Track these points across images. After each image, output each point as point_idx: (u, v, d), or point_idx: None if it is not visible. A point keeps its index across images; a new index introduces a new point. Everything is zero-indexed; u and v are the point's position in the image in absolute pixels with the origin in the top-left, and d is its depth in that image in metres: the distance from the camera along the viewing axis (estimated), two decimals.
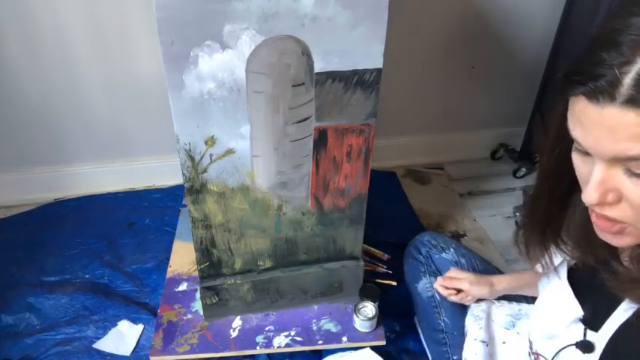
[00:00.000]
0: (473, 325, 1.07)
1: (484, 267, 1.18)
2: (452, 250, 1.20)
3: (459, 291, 1.08)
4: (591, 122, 0.50)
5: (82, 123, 1.67)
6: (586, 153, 0.54)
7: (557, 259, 0.76)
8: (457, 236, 1.68)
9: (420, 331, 1.26)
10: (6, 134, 1.65)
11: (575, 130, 0.53)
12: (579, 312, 0.70)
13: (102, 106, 1.64)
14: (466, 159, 2.04)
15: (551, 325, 0.76)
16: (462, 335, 1.09)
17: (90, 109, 1.64)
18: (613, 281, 0.61)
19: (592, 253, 0.68)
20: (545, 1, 1.71)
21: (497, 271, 1.18)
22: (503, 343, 1.03)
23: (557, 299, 0.75)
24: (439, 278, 1.11)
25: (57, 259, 1.53)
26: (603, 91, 0.48)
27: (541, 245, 0.73)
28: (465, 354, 1.03)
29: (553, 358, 0.75)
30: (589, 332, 0.69)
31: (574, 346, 0.70)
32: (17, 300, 1.40)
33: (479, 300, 1.09)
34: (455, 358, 1.09)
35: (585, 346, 0.68)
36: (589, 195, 0.53)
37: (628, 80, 0.47)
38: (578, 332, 0.70)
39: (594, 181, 0.53)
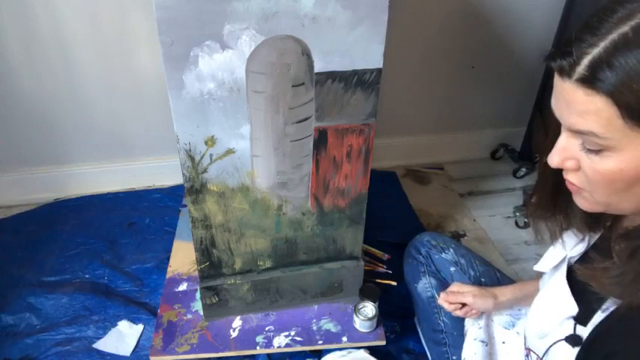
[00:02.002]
0: (472, 325, 1.07)
1: (484, 267, 1.18)
2: (451, 250, 1.20)
3: (463, 305, 1.06)
4: (557, 93, 0.57)
5: (82, 123, 1.67)
6: None
7: (569, 240, 0.76)
8: (457, 236, 1.68)
9: (419, 331, 1.26)
10: (6, 134, 1.65)
11: (552, 99, 0.59)
12: (574, 310, 0.71)
13: (102, 106, 1.64)
14: (466, 159, 2.04)
15: (545, 324, 0.77)
16: (461, 335, 1.09)
17: (90, 109, 1.64)
18: (582, 271, 0.65)
19: (595, 225, 0.72)
20: (545, 1, 1.71)
21: (497, 272, 1.18)
22: (503, 342, 1.04)
23: (554, 298, 0.76)
24: (442, 294, 1.08)
25: (57, 259, 1.53)
26: (564, 68, 0.54)
27: (552, 217, 0.76)
28: (464, 354, 1.03)
29: (544, 353, 0.75)
30: (578, 327, 0.70)
31: (564, 341, 0.71)
32: (17, 300, 1.40)
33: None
34: (454, 358, 1.09)
35: (574, 340, 0.70)
36: (551, 157, 0.61)
37: (585, 61, 0.52)
38: (568, 327, 0.72)
39: (557, 146, 0.60)
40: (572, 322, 0.71)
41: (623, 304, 0.61)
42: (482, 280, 1.16)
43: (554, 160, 0.60)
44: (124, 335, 1.32)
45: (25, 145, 1.69)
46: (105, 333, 1.32)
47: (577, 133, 0.56)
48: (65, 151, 1.72)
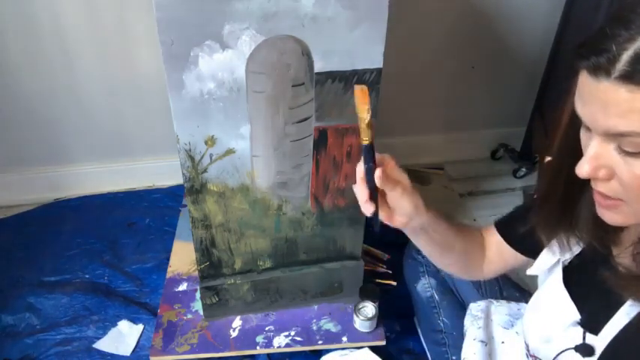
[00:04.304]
0: (472, 324, 1.07)
1: None
2: None
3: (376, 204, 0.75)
4: (588, 95, 0.52)
5: (82, 123, 1.67)
6: (588, 127, 0.55)
7: (555, 255, 0.75)
8: None
9: (419, 331, 1.26)
10: (6, 134, 1.65)
11: (577, 103, 0.55)
12: (576, 315, 0.70)
13: (102, 106, 1.64)
14: (466, 159, 2.03)
15: (547, 328, 0.75)
16: (461, 335, 1.09)
17: (90, 109, 1.64)
18: (614, 280, 0.61)
19: (600, 237, 0.68)
20: (545, 1, 1.71)
21: None
22: (502, 342, 1.03)
23: (552, 301, 0.75)
24: (378, 170, 0.74)
25: (57, 259, 1.53)
26: (601, 66, 0.50)
27: (556, 226, 0.72)
28: (463, 354, 1.03)
29: None
30: (588, 335, 0.69)
31: (573, 350, 0.69)
32: (17, 300, 1.40)
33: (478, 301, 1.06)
34: (454, 358, 1.09)
35: (585, 350, 0.68)
36: (581, 166, 0.56)
37: (625, 57, 0.48)
38: (576, 335, 0.70)
39: (588, 154, 0.55)
40: (581, 330, 0.69)
41: None
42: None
43: (584, 169, 0.55)
44: (124, 335, 1.31)
45: (25, 145, 1.69)
46: (105, 333, 1.32)
47: (614, 136, 0.52)
48: (65, 151, 1.72)
